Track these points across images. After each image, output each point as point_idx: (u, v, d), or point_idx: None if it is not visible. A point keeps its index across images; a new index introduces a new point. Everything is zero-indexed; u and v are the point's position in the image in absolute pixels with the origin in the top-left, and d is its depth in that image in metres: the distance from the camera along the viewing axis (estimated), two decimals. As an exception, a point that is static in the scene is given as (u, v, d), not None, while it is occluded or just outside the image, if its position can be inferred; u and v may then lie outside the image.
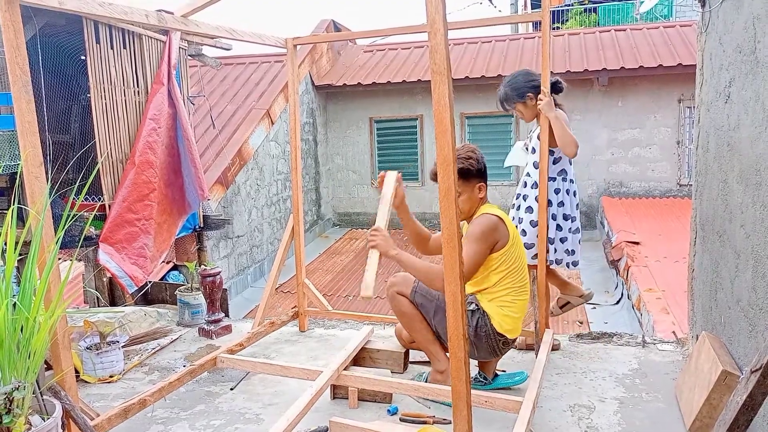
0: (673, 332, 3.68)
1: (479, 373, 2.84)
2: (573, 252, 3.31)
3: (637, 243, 6.48)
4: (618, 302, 6.01)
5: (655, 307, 4.61)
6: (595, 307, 6.04)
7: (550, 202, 3.21)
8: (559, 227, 3.24)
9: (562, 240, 3.26)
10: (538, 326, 3.08)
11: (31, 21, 3.26)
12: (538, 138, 3.21)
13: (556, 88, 3.23)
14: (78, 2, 2.22)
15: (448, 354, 2.56)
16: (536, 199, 3.21)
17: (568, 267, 3.31)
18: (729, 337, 2.40)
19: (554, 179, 3.23)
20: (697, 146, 3.06)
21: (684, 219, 7.22)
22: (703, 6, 2.99)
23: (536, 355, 3.03)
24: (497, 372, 2.87)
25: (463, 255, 2.33)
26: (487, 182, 2.74)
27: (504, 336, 2.63)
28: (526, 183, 3.31)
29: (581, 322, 5.61)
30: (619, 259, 6.34)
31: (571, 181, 3.28)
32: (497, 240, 2.57)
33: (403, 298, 2.75)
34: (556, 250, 3.25)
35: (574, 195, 3.30)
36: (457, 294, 1.67)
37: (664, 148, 9.21)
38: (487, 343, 2.63)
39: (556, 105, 3.19)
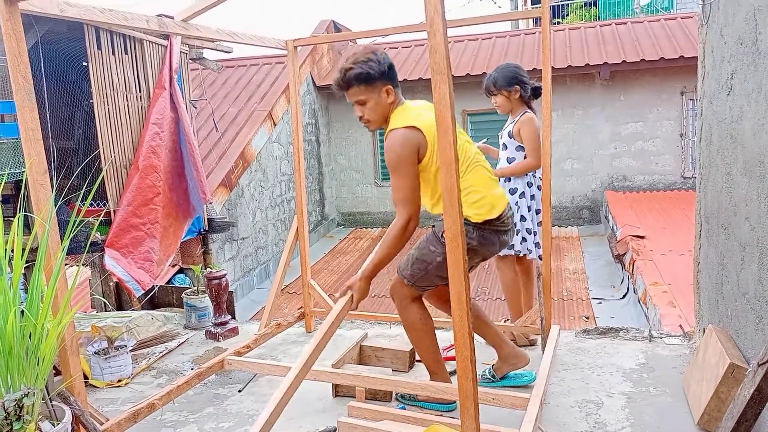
0: (680, 326, 3.67)
1: (487, 370, 2.84)
2: (538, 245, 3.36)
3: (642, 237, 6.46)
4: (624, 296, 5.99)
5: (661, 300, 4.60)
6: (601, 302, 6.03)
7: (522, 194, 3.30)
8: (522, 218, 3.30)
9: (528, 231, 3.31)
10: (543, 322, 3.08)
11: (32, 29, 3.27)
12: (509, 135, 3.32)
13: (536, 92, 3.33)
14: (79, 9, 2.23)
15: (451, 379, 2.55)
16: (509, 191, 3.31)
17: (540, 259, 3.33)
18: (736, 330, 2.39)
19: (525, 173, 3.31)
20: (701, 139, 3.06)
21: (689, 212, 7.19)
22: (703, -2, 2.98)
23: (543, 351, 3.03)
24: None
25: (393, 190, 2.35)
26: (398, 84, 2.52)
27: (489, 221, 2.47)
28: (508, 178, 3.39)
29: (587, 317, 5.60)
30: (625, 254, 6.32)
31: (540, 177, 3.34)
32: (416, 150, 2.35)
33: (411, 308, 2.57)
34: (524, 240, 3.31)
35: (539, 189, 3.38)
36: (461, 292, 1.68)
37: (668, 141, 9.17)
38: (485, 241, 2.51)
39: (529, 108, 3.31)
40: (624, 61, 8.74)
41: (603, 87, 9.25)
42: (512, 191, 3.34)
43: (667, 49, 8.77)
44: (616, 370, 2.97)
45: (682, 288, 4.69)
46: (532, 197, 3.36)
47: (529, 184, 3.35)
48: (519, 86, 3.31)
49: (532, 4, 17.21)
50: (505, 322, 3.48)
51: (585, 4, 16.93)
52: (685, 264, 4.99)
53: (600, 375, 2.93)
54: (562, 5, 16.93)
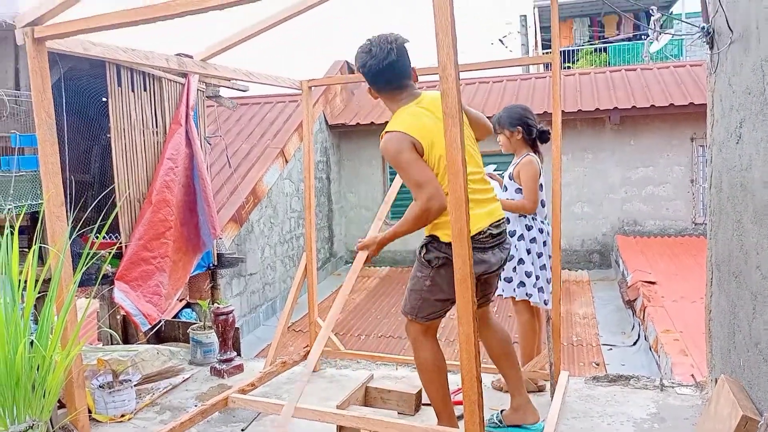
0: (692, 375, 3.61)
1: (494, 415, 2.80)
2: (542, 290, 3.30)
3: (653, 282, 6.40)
4: (635, 343, 5.90)
5: (673, 348, 4.52)
6: (611, 348, 5.94)
7: (521, 237, 3.26)
8: (521, 261, 3.24)
9: (528, 274, 3.25)
10: (552, 368, 3.04)
11: (56, 65, 3.38)
12: (510, 177, 3.31)
13: (543, 136, 3.33)
14: (102, 48, 2.31)
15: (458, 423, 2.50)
16: (508, 234, 3.28)
17: (546, 304, 3.27)
18: (749, 381, 2.35)
19: (525, 216, 3.28)
20: (711, 185, 3.06)
21: (700, 258, 7.13)
22: (711, 48, 3.03)
23: (551, 397, 2.98)
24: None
25: (406, 184, 2.32)
26: (394, 84, 2.45)
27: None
28: (508, 219, 3.36)
29: (597, 364, 5.51)
30: (635, 299, 6.26)
31: (542, 221, 3.32)
32: (411, 146, 2.30)
33: (423, 347, 2.54)
34: (522, 284, 3.25)
35: (548, 234, 3.32)
36: (470, 334, 1.67)
37: (678, 187, 9.18)
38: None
39: (535, 152, 3.31)
40: (634, 107, 8.84)
41: (613, 131, 9.33)
42: (510, 233, 3.30)
43: (676, 95, 8.87)
44: (626, 420, 2.91)
45: (694, 336, 4.61)
46: (532, 240, 3.31)
47: (528, 227, 3.30)
48: (522, 128, 3.30)
49: (542, 49, 17.54)
50: None
51: (595, 49, 17.23)
52: (697, 311, 4.92)
53: (610, 424, 2.87)
54: (573, 50, 17.22)
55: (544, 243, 3.32)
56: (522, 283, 3.27)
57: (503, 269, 2.70)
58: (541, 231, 3.32)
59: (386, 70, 2.38)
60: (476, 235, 2.41)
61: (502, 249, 2.56)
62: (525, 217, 3.30)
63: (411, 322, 2.55)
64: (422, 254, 2.47)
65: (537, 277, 3.29)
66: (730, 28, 2.63)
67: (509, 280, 3.28)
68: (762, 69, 2.22)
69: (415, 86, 2.53)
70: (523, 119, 3.34)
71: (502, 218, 2.59)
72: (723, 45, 2.78)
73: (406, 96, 2.49)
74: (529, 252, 3.30)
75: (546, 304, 3.26)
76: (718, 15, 2.77)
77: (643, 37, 15.31)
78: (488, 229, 2.47)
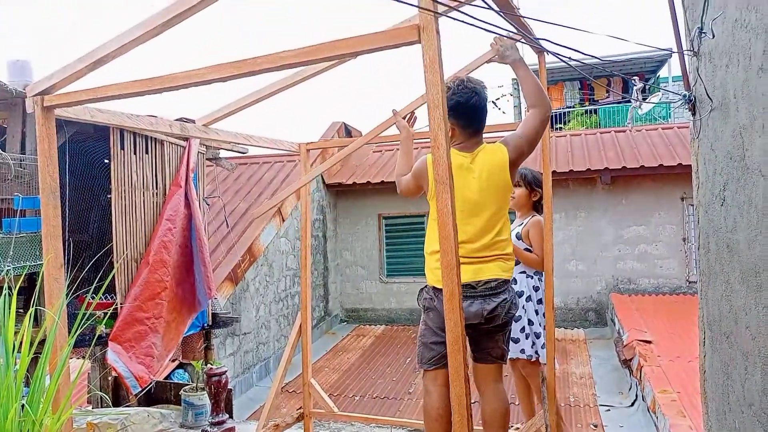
0: (691, 437, 3.56)
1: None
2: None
3: (648, 341, 6.36)
4: (633, 404, 5.82)
5: (670, 410, 4.47)
6: (609, 409, 5.85)
7: (529, 297, 3.32)
8: (530, 322, 3.29)
9: (537, 335, 3.30)
10: (548, 430, 3.00)
11: (62, 129, 3.47)
12: (518, 237, 3.42)
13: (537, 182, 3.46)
14: (108, 115, 2.40)
15: None
16: (517, 294, 3.33)
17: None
18: (745, 444, 2.33)
19: (532, 277, 3.36)
20: (699, 246, 3.12)
21: (695, 317, 7.09)
22: (693, 114, 3.16)
23: (549, 461, 2.93)
24: None
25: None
26: (465, 123, 2.60)
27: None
28: (515, 280, 3.42)
29: (595, 425, 5.41)
30: (632, 359, 6.21)
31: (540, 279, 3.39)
32: (422, 173, 2.58)
33: (428, 395, 2.58)
34: (534, 344, 3.29)
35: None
36: (462, 395, 1.68)
37: (671, 245, 9.25)
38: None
39: (537, 203, 3.42)
40: (624, 167, 9.02)
41: (605, 191, 9.48)
42: (519, 294, 3.36)
43: (665, 156, 9.07)
44: (625, 484, 2.85)
45: (691, 396, 4.57)
46: (539, 301, 3.37)
47: (536, 288, 3.38)
48: (538, 191, 3.44)
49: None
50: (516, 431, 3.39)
51: (586, 111, 17.68)
52: (694, 371, 4.88)
53: (609, 489, 2.81)
54: (564, 113, 17.68)
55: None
56: (533, 344, 3.30)
57: (505, 329, 2.70)
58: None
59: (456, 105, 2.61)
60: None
61: (486, 301, 2.56)
62: (532, 278, 3.36)
63: (422, 371, 2.65)
64: (418, 299, 2.65)
65: (537, 335, 3.33)
66: (709, 97, 2.76)
67: (516, 341, 3.30)
68: (741, 136, 2.32)
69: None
70: (539, 184, 3.46)
71: (493, 278, 2.61)
72: (704, 112, 2.90)
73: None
74: (536, 312, 3.34)
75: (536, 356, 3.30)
76: (698, 84, 2.91)
77: (631, 100, 15.75)
78: (479, 283, 2.55)
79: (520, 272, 3.41)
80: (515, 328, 3.23)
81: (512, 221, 3.59)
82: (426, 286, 2.61)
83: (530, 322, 3.32)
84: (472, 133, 2.61)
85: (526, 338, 3.30)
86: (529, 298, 3.36)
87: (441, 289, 2.47)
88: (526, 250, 3.40)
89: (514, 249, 3.26)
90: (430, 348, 2.58)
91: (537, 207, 3.52)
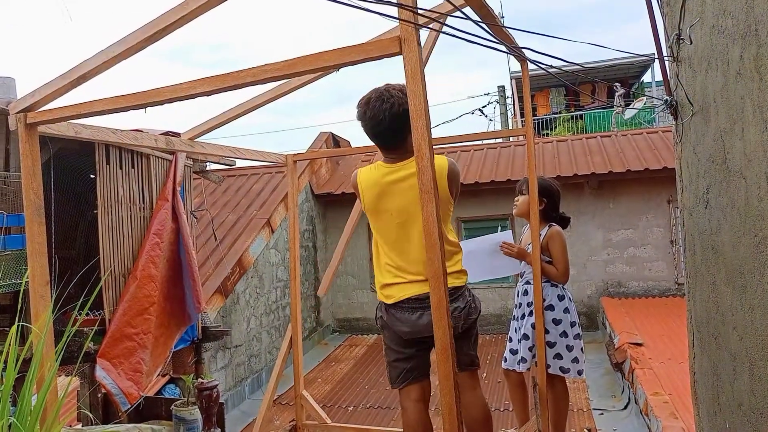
0: (683, 439, 3.57)
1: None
2: (577, 360, 3.30)
3: (640, 344, 6.40)
4: (626, 407, 5.83)
5: (663, 412, 4.49)
6: (602, 413, 5.86)
7: (552, 307, 3.26)
8: (564, 334, 3.25)
9: (569, 348, 3.26)
10: (542, 436, 3.01)
11: (46, 146, 3.46)
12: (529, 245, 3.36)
13: (563, 221, 3.45)
14: (92, 131, 2.39)
15: None
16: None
17: (579, 375, 3.27)
18: (735, 444, 2.35)
19: (556, 286, 3.30)
20: (685, 249, 3.15)
21: (684, 318, 7.17)
22: (675, 118, 3.20)
23: (542, 467, 2.93)
24: None
25: None
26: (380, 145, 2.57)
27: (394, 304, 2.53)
28: (527, 291, 3.37)
29: (589, 430, 5.41)
30: (623, 362, 6.23)
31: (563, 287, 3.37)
32: (355, 190, 2.60)
33: (404, 413, 2.58)
34: (562, 358, 3.24)
35: (572, 300, 3.37)
36: (452, 404, 1.68)
37: (659, 248, 9.32)
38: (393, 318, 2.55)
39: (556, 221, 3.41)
40: (610, 172, 9.10)
41: (592, 195, 9.55)
42: (547, 308, 3.29)
43: (651, 160, 9.16)
44: (619, 488, 2.86)
45: (683, 398, 4.59)
46: (565, 310, 3.32)
47: (561, 297, 3.32)
48: (545, 200, 3.36)
49: (521, 117, 18.13)
50: None
51: (572, 117, 17.83)
52: (685, 372, 4.91)
53: (602, 493, 2.82)
54: (551, 119, 17.81)
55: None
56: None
57: (469, 335, 2.65)
58: (571, 299, 3.35)
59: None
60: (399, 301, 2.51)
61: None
62: (557, 286, 3.32)
63: (409, 408, 2.59)
64: (375, 319, 2.65)
65: (569, 347, 3.28)
66: (690, 101, 2.80)
67: (531, 349, 3.26)
68: (722, 139, 2.35)
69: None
70: (551, 193, 3.41)
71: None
72: (686, 116, 2.94)
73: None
74: (554, 322, 3.28)
75: (580, 374, 3.26)
76: (679, 89, 2.95)
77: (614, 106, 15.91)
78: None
79: (545, 281, 3.29)
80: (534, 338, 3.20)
81: (520, 228, 3.55)
82: (379, 303, 2.57)
83: (546, 332, 3.24)
84: (384, 149, 2.57)
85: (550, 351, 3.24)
86: (549, 307, 3.26)
87: (391, 305, 2.51)
88: (548, 262, 3.32)
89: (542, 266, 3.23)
90: (394, 366, 2.58)
91: (548, 216, 3.43)
